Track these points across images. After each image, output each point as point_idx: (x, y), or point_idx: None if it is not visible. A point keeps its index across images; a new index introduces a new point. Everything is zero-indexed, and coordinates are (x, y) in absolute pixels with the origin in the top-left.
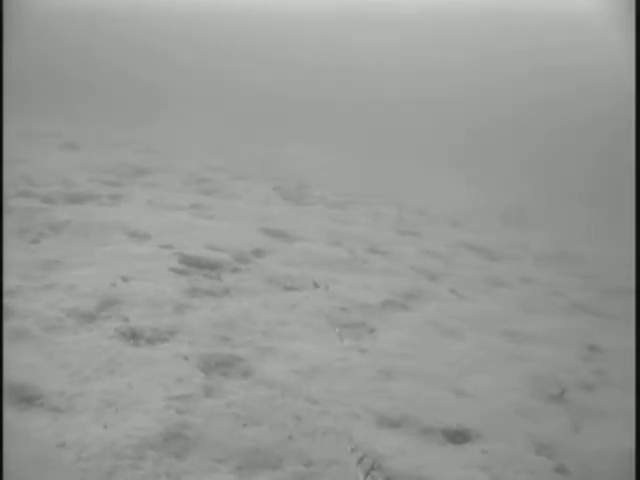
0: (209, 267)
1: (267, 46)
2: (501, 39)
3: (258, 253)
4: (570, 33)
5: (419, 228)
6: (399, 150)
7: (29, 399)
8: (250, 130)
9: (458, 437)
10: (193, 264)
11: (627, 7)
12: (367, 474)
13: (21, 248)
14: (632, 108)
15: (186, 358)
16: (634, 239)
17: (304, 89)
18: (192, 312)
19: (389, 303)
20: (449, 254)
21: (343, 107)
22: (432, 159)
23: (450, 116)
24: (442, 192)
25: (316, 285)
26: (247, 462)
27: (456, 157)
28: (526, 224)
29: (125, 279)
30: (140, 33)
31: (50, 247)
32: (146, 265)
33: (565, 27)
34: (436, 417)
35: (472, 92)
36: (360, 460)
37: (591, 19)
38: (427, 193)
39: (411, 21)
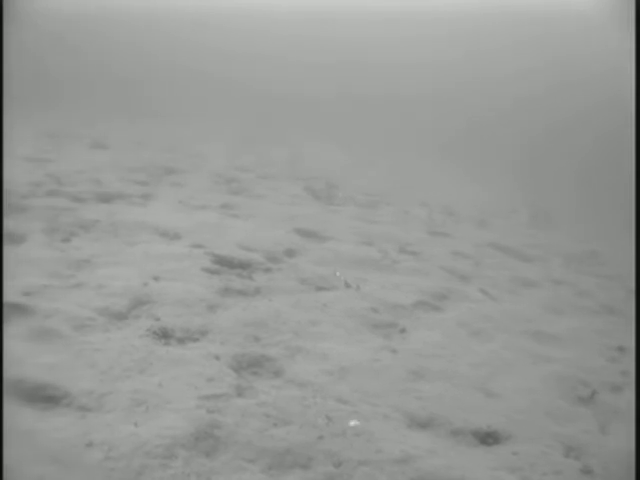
0: (241, 267)
1: (276, 47)
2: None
3: (289, 253)
4: (569, 30)
5: (448, 228)
6: (417, 147)
7: (56, 399)
8: (269, 130)
9: (488, 438)
10: (225, 264)
11: (626, 5)
12: None
13: (51, 247)
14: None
15: (217, 357)
16: (634, 239)
17: (317, 87)
18: (223, 312)
19: (420, 303)
20: (478, 254)
21: (357, 104)
22: (452, 157)
23: (466, 113)
24: (467, 192)
25: (347, 285)
26: (277, 462)
27: (477, 156)
28: (553, 225)
29: (156, 278)
30: (148, 35)
31: (80, 246)
32: (177, 265)
33: (564, 24)
34: (465, 418)
35: (484, 88)
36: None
37: (590, 17)
38: (452, 192)
39: (418, 19)
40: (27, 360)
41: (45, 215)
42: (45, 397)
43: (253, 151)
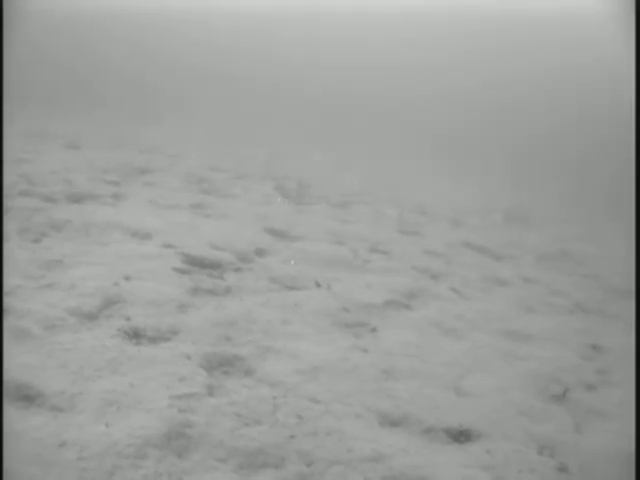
0: (211, 266)
1: (265, 45)
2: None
3: (260, 252)
4: (569, 32)
5: (420, 227)
6: (397, 149)
7: (28, 398)
8: (251, 129)
9: (461, 437)
10: (195, 263)
11: (623, 6)
12: None
13: (22, 247)
14: (629, 107)
15: (189, 357)
16: (634, 239)
17: (302, 87)
18: (194, 311)
19: (391, 302)
20: (450, 253)
21: (341, 105)
22: (430, 158)
23: (447, 114)
24: (442, 191)
25: (318, 284)
26: (249, 461)
27: (453, 156)
28: (527, 223)
29: (127, 278)
30: (142, 33)
31: (51, 246)
32: (148, 264)
33: (564, 25)
34: (438, 416)
35: (467, 91)
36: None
37: (589, 18)
38: (427, 192)
39: (413, 20)
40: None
41: (18, 216)
42: (20, 397)
43: (231, 151)
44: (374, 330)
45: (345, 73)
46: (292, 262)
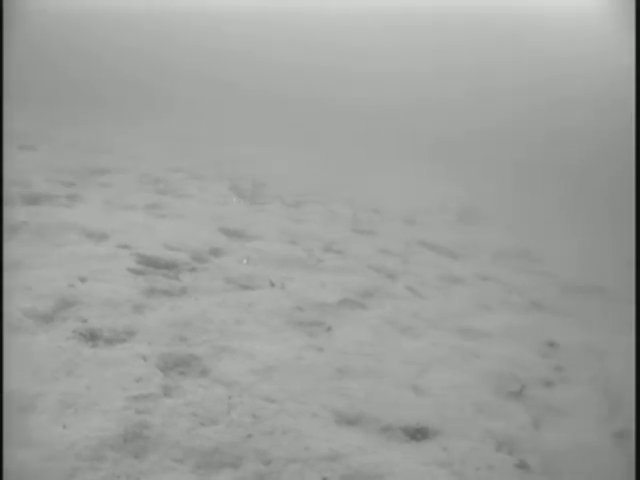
0: (167, 267)
1: (247, 46)
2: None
3: (215, 252)
4: (569, 33)
5: (374, 226)
6: (355, 151)
7: None
8: (214, 130)
9: (417, 434)
10: (151, 264)
11: (623, 5)
12: None
13: None
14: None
15: (145, 358)
16: (634, 240)
17: (275, 89)
18: (150, 312)
19: (346, 301)
20: (405, 252)
21: (304, 107)
22: (386, 160)
23: (406, 119)
24: (397, 191)
25: (272, 284)
26: (206, 461)
27: (410, 157)
28: (484, 222)
29: (83, 280)
30: (123, 32)
31: (7, 248)
32: (103, 265)
33: (563, 25)
34: (394, 414)
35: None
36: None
37: (589, 18)
38: (382, 192)
39: (402, 25)
40: None
41: None
42: None
43: (190, 151)
44: (329, 329)
45: (325, 76)
46: (244, 261)
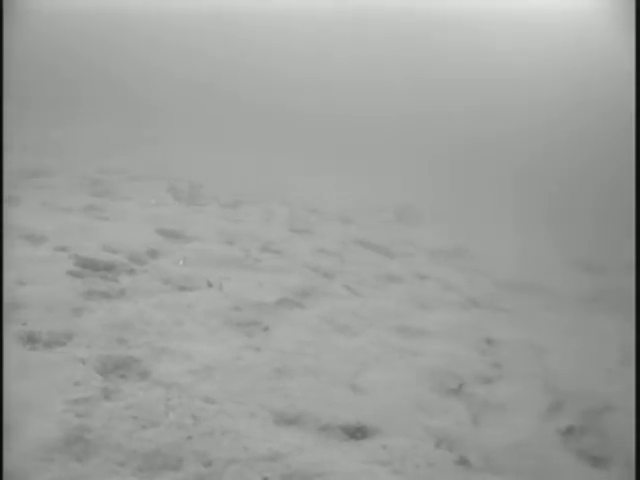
0: (105, 269)
1: (207, 45)
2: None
3: (153, 254)
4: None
5: (311, 226)
6: (292, 151)
7: None
8: (156, 130)
9: (357, 433)
10: (89, 266)
11: (622, 5)
12: None
13: None
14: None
15: (83, 361)
16: (634, 240)
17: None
18: (88, 314)
19: (283, 301)
20: (342, 251)
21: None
22: (324, 160)
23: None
24: (334, 191)
25: (210, 284)
26: (147, 464)
27: (348, 158)
28: (420, 221)
29: (21, 283)
30: (112, 33)
31: None
32: (42, 268)
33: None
34: (333, 413)
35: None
36: None
37: (588, 17)
38: (319, 192)
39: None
40: None
41: None
42: None
43: (129, 152)
44: (266, 329)
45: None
46: (180, 262)
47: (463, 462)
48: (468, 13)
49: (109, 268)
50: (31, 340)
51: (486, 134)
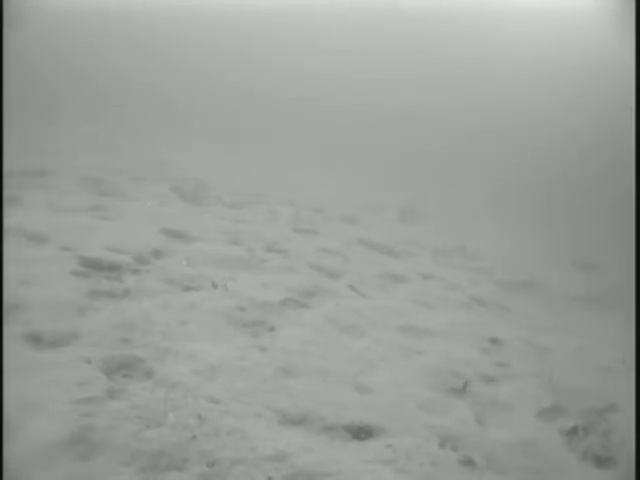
0: (109, 269)
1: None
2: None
3: (157, 254)
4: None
5: (315, 226)
6: (297, 150)
7: None
8: (151, 130)
9: (361, 433)
10: (93, 266)
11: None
12: None
13: None
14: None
15: (88, 361)
16: (634, 240)
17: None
18: (93, 314)
19: (288, 301)
20: (346, 251)
21: (248, 105)
22: (328, 160)
23: (347, 118)
24: (338, 191)
25: (214, 285)
26: (152, 464)
27: (351, 158)
28: (422, 221)
29: (25, 283)
30: (118, 28)
31: None
32: (46, 268)
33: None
34: (338, 413)
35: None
36: None
37: (587, 17)
38: (322, 191)
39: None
40: None
41: None
42: None
43: (129, 152)
44: (272, 329)
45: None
46: (184, 262)
47: (467, 461)
48: (467, 10)
49: (113, 268)
50: (36, 340)
51: (486, 133)
